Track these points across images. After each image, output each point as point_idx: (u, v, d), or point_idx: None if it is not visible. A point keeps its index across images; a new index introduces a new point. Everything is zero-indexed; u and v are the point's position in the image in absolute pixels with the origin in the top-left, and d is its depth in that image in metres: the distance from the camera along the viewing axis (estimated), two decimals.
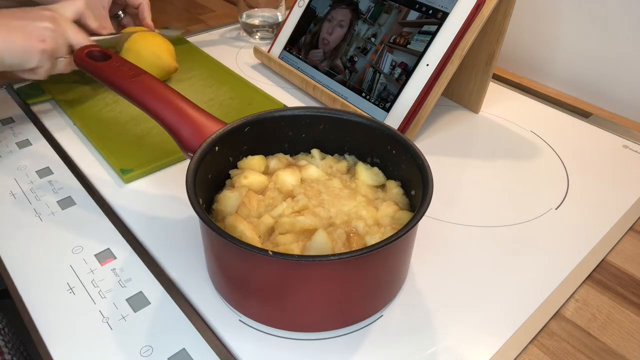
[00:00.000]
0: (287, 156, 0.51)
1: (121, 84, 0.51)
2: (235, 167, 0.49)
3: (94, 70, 0.53)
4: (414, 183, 0.45)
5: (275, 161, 0.50)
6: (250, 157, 0.49)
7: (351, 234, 0.42)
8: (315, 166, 0.49)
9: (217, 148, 0.45)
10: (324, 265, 0.37)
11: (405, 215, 0.44)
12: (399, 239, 0.36)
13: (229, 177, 0.48)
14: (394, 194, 0.47)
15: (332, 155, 0.52)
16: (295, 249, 0.40)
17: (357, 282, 0.39)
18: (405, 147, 0.45)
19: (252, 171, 0.48)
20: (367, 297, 0.41)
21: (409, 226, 0.37)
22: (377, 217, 0.44)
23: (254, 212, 0.44)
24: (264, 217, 0.43)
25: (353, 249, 0.41)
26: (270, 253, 0.35)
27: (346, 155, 0.52)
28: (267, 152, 0.51)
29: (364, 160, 0.51)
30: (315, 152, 0.51)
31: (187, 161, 0.43)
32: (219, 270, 0.43)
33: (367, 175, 0.48)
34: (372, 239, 0.41)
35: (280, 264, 0.37)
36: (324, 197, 0.46)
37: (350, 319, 0.42)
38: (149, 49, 0.70)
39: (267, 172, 0.49)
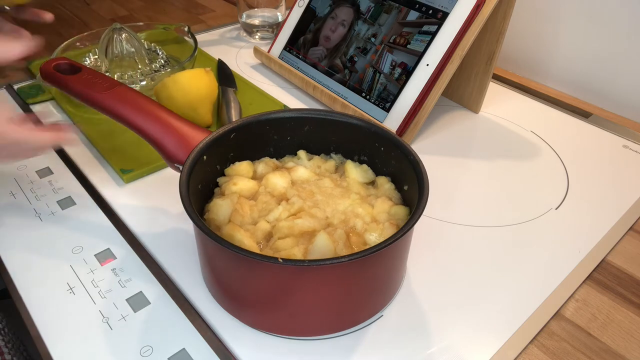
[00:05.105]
0: (274, 160, 0.51)
1: (95, 97, 0.47)
2: (223, 175, 0.48)
3: (64, 85, 0.50)
4: (405, 178, 0.45)
5: (263, 165, 0.49)
6: (237, 163, 0.48)
7: (350, 233, 0.42)
8: (304, 167, 0.49)
9: (205, 157, 0.44)
10: (336, 268, 0.36)
11: (401, 210, 0.44)
12: (410, 229, 0.37)
13: (217, 185, 0.47)
14: (386, 189, 0.47)
15: (318, 155, 0.51)
16: (297, 253, 0.40)
17: (364, 281, 0.39)
18: (394, 144, 0.45)
19: (240, 177, 0.47)
20: (372, 296, 0.41)
21: (416, 216, 0.38)
22: (374, 213, 0.44)
23: (248, 219, 0.43)
24: (260, 222, 0.42)
25: (353, 248, 0.41)
26: (280, 260, 0.34)
27: (332, 155, 0.51)
28: (253, 158, 0.50)
29: (351, 158, 0.50)
30: (301, 153, 0.50)
31: None
32: (220, 282, 0.42)
33: (357, 172, 0.48)
34: (372, 236, 0.41)
35: (291, 270, 0.36)
36: (317, 197, 0.45)
37: (352, 320, 0.42)
38: (184, 96, 0.61)
39: (255, 177, 0.48)
